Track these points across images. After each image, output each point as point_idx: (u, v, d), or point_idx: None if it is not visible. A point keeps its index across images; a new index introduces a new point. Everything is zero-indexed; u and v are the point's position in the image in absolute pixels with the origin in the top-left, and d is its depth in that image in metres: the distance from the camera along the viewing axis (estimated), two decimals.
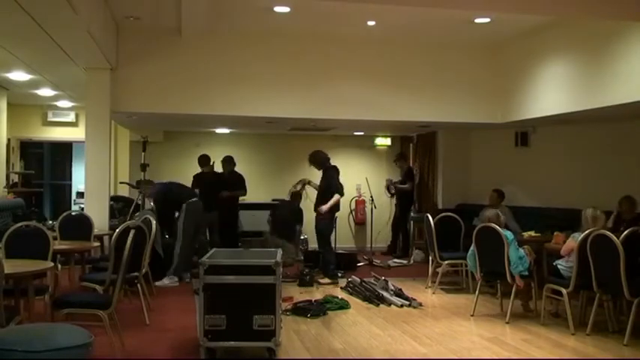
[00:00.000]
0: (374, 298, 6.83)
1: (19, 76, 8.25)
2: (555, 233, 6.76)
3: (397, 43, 8.24)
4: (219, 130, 11.24)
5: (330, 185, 8.27)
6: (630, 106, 6.26)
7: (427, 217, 7.75)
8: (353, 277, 7.73)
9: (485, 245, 6.23)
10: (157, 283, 7.29)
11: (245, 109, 7.97)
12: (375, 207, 10.52)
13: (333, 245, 8.82)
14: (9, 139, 10.42)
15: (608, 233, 5.30)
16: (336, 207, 8.34)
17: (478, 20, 7.23)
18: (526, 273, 5.98)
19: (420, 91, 8.40)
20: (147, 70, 7.67)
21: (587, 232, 5.51)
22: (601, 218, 5.78)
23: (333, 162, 8.53)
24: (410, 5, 6.15)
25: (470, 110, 8.53)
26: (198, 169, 9.48)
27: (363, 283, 7.30)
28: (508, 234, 6.10)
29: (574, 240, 5.73)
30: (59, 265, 6.43)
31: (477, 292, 6.44)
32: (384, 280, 7.38)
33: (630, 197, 6.78)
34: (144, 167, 8.85)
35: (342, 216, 10.27)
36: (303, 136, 11.29)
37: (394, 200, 11.21)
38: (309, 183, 9.17)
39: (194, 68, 7.80)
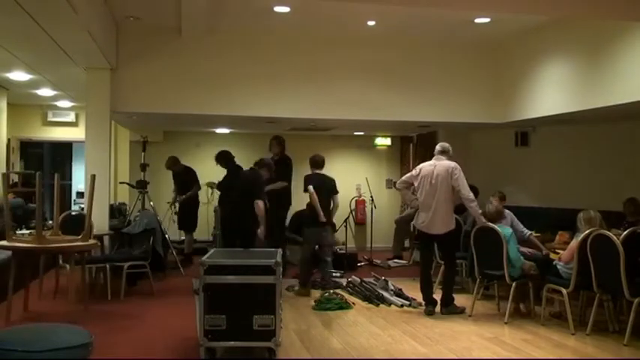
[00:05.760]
0: (374, 298, 6.83)
1: (19, 76, 8.24)
2: (560, 232, 6.75)
3: (397, 43, 8.24)
4: (219, 130, 11.24)
5: None
6: (630, 106, 6.26)
7: None
8: (353, 277, 7.73)
9: (483, 246, 6.22)
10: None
11: (245, 109, 7.97)
12: (375, 207, 10.53)
13: None
14: (9, 139, 10.42)
15: (608, 233, 5.29)
16: None
17: (478, 20, 7.24)
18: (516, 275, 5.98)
19: (419, 91, 8.40)
20: (147, 70, 7.67)
21: (587, 232, 5.50)
22: (596, 219, 5.71)
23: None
24: (410, 5, 6.15)
25: (470, 110, 8.53)
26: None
27: (363, 283, 7.31)
28: (507, 230, 6.09)
29: (576, 240, 5.71)
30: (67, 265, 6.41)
31: (474, 292, 6.44)
32: (384, 280, 7.38)
33: (634, 199, 6.71)
34: (144, 167, 8.84)
35: (343, 216, 10.25)
36: (303, 136, 11.27)
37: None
38: None
39: (194, 68, 7.80)
